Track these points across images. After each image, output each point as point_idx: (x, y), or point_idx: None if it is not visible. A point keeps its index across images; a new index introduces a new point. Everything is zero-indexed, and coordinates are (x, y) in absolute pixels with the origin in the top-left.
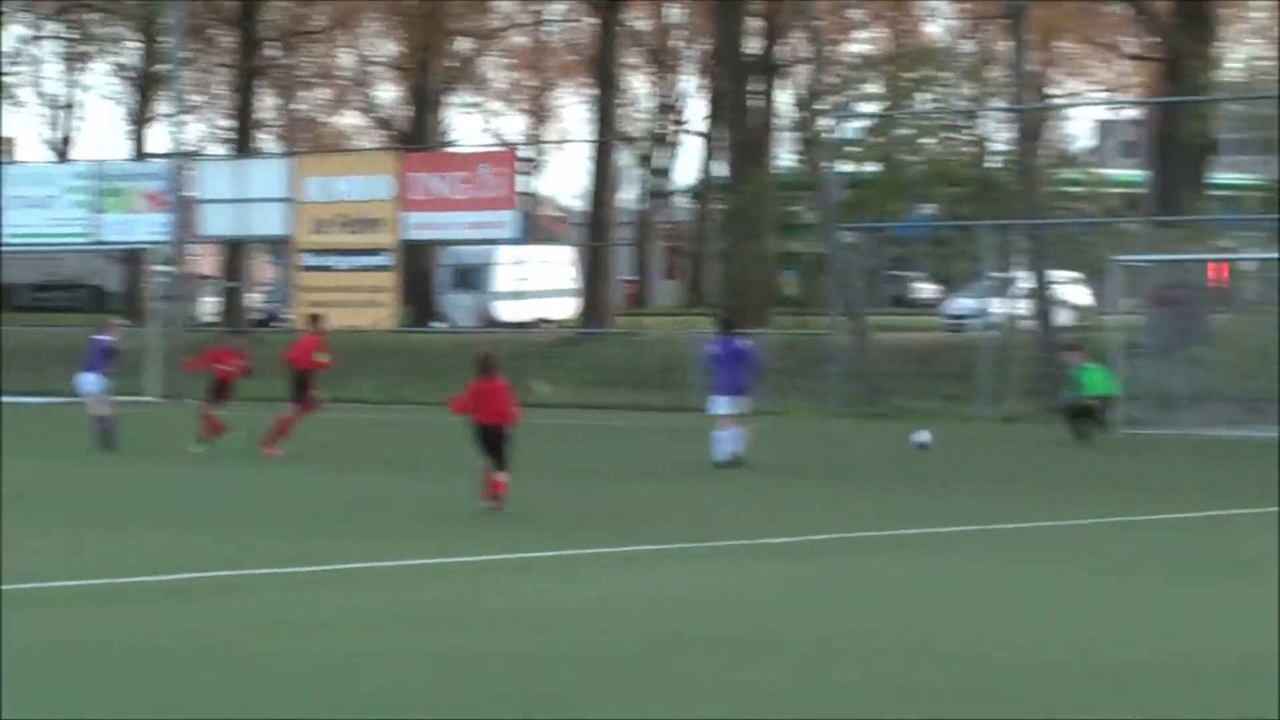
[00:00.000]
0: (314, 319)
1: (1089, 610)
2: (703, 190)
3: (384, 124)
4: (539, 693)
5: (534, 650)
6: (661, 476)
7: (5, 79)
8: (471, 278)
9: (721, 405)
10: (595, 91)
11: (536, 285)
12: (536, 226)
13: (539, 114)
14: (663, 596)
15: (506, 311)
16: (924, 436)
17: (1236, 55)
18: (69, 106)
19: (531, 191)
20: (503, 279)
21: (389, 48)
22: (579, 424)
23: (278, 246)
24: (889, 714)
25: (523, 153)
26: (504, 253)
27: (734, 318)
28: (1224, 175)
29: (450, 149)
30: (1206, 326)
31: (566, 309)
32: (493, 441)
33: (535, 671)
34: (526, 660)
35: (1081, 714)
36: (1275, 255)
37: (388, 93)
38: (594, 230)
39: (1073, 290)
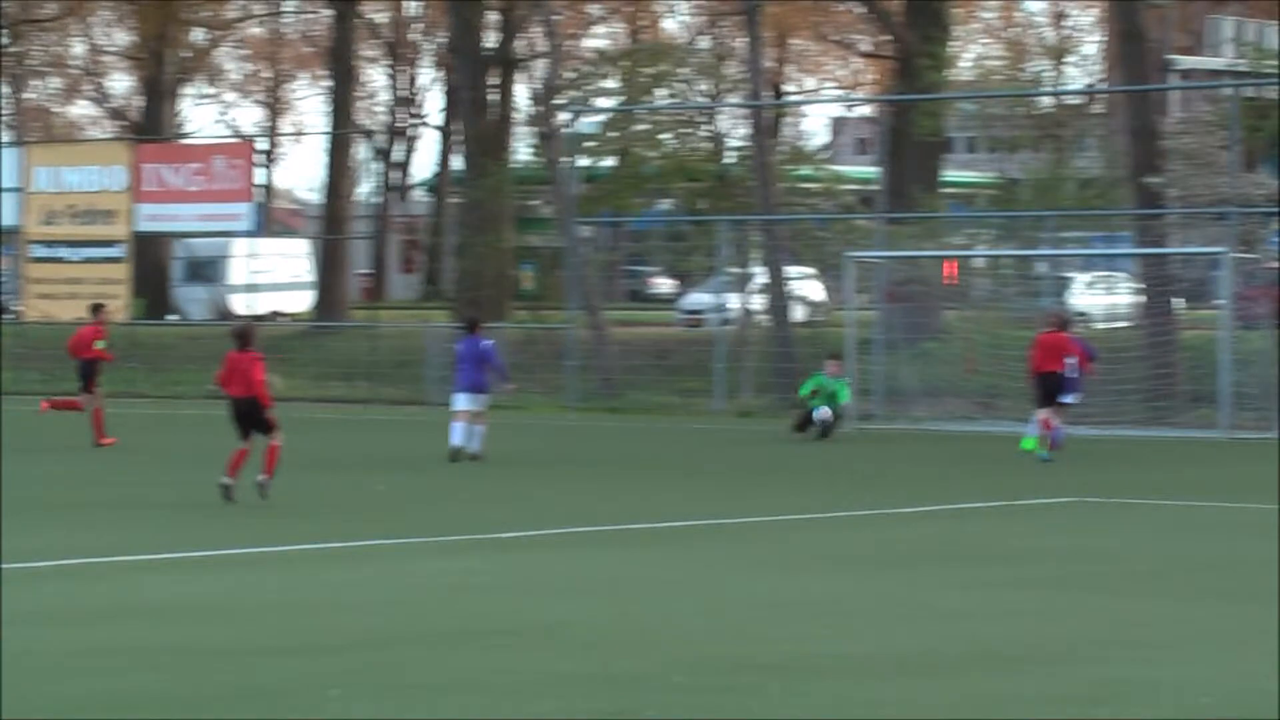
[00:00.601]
0: (96, 309)
1: (809, 603)
2: (440, 184)
3: (117, 114)
4: (231, 688)
5: (234, 646)
6: (396, 470)
7: None
8: (206, 270)
9: (461, 401)
10: (332, 84)
11: (272, 278)
12: (272, 219)
13: (275, 106)
14: (385, 590)
15: (241, 304)
16: (825, 414)
17: (968, 54)
18: None
19: (267, 184)
20: (237, 272)
21: (122, 37)
22: (313, 417)
23: (7, 237)
24: (591, 703)
25: (259, 145)
26: (239, 245)
27: (478, 317)
28: (956, 173)
29: (185, 140)
30: (938, 322)
31: (302, 302)
32: (243, 416)
33: (231, 667)
34: (226, 656)
35: (785, 704)
36: (1005, 253)
37: (121, 83)
38: (330, 223)
39: (807, 286)
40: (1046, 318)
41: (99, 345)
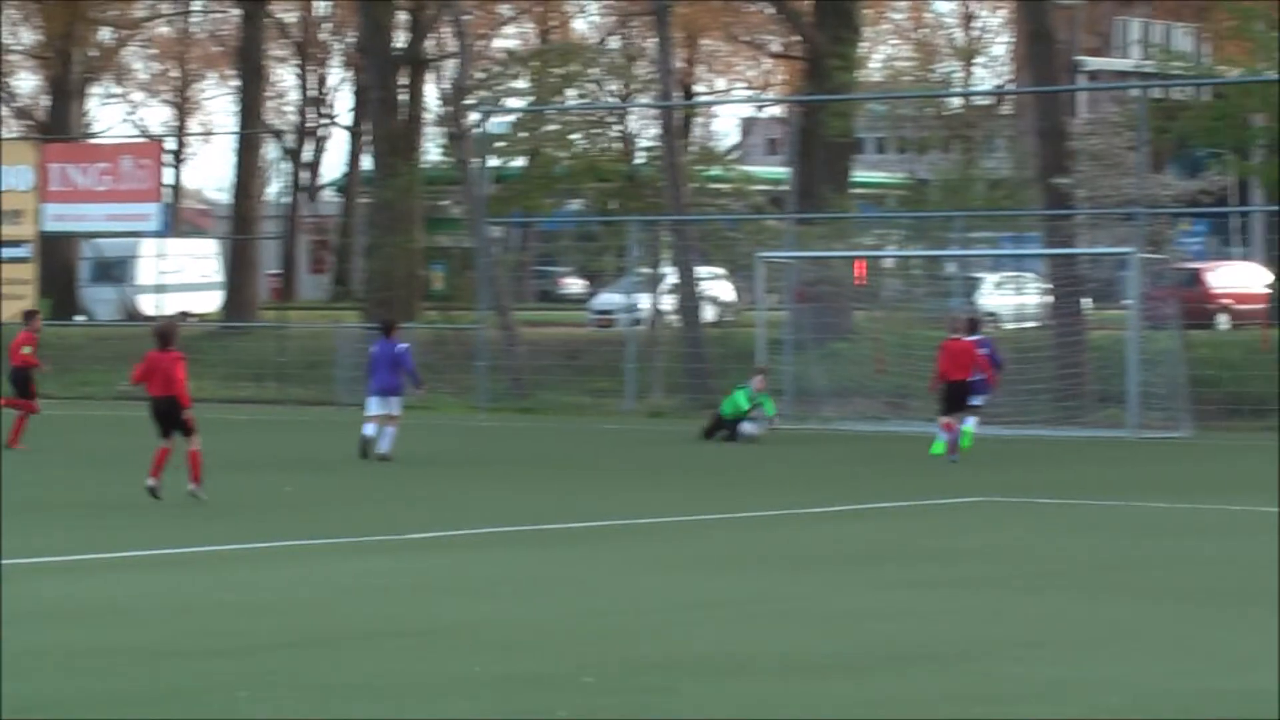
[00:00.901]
0: (28, 315)
1: (720, 603)
2: (349, 184)
3: (23, 114)
4: (138, 691)
5: (142, 647)
6: (307, 471)
7: None
8: (114, 271)
9: (374, 406)
10: (240, 84)
11: (180, 279)
12: (180, 219)
13: (183, 106)
14: (295, 591)
15: (149, 305)
16: (751, 429)
17: (878, 55)
18: None
19: (176, 184)
20: (146, 272)
21: (28, 36)
22: (223, 418)
23: None
24: (503, 704)
25: (167, 145)
26: (147, 245)
27: (394, 320)
28: (866, 173)
29: (92, 140)
30: (848, 323)
31: (211, 303)
32: (163, 415)
33: (138, 669)
34: (134, 658)
35: (697, 704)
36: (915, 253)
37: (27, 82)
38: (239, 223)
39: (718, 286)
40: (953, 323)
41: (26, 350)
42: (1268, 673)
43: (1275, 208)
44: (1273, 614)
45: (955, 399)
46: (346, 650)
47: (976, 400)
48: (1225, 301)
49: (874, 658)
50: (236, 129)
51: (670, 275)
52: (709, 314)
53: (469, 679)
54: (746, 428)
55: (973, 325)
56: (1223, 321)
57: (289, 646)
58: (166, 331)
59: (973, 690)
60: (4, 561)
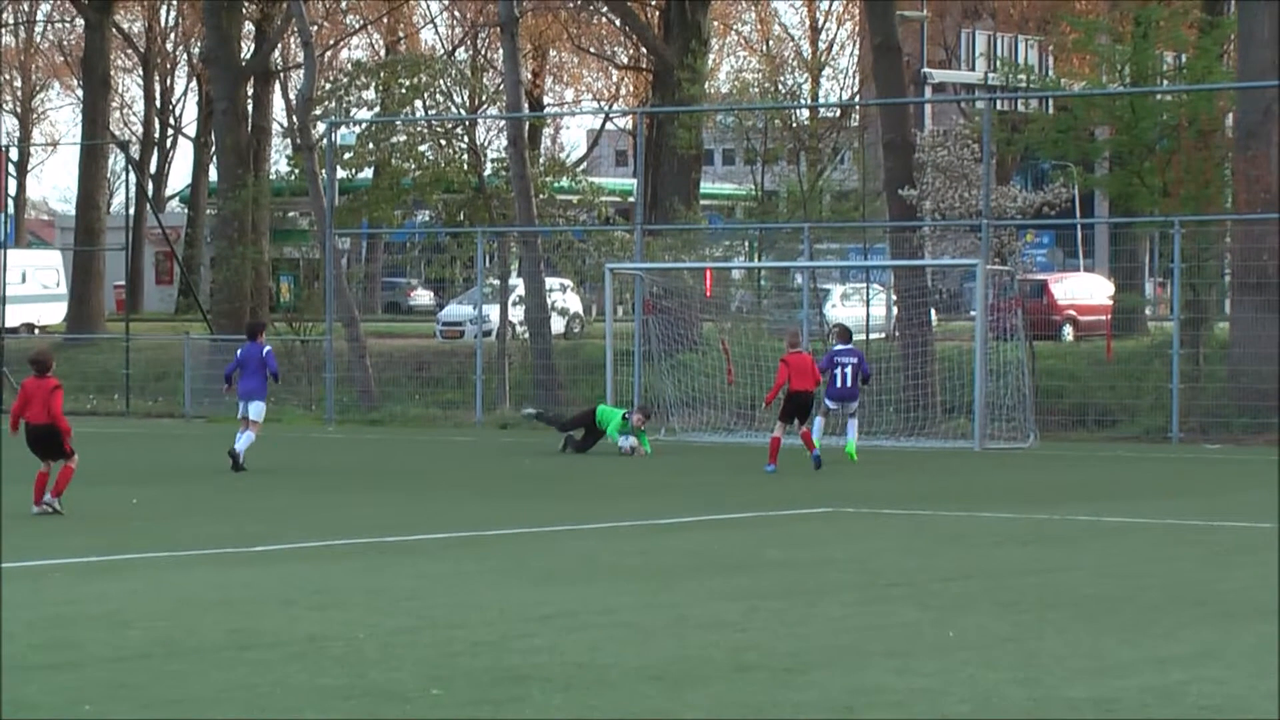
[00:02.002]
0: None
1: (568, 614)
2: (196, 195)
3: None
4: None
5: None
6: (154, 483)
7: None
8: None
9: (252, 410)
10: (85, 94)
11: (24, 290)
12: (24, 230)
13: (27, 115)
14: (142, 603)
15: None
16: (628, 443)
17: (726, 67)
18: None
19: (19, 194)
20: None
21: None
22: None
23: None
24: (351, 716)
25: (11, 155)
26: None
27: (262, 323)
28: (714, 185)
29: None
30: (696, 334)
31: (55, 315)
32: (41, 441)
33: None
34: None
35: (545, 715)
36: (762, 264)
37: None
38: (84, 235)
39: (566, 297)
40: (792, 337)
41: None
42: (1115, 680)
43: (1118, 219)
44: (1120, 621)
45: (799, 409)
46: (195, 663)
47: (833, 405)
48: (1070, 313)
49: (724, 667)
50: (81, 139)
51: (519, 286)
52: (558, 325)
53: (319, 691)
54: (625, 441)
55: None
56: (1067, 332)
57: (136, 659)
58: (43, 360)
59: (819, 698)
60: None
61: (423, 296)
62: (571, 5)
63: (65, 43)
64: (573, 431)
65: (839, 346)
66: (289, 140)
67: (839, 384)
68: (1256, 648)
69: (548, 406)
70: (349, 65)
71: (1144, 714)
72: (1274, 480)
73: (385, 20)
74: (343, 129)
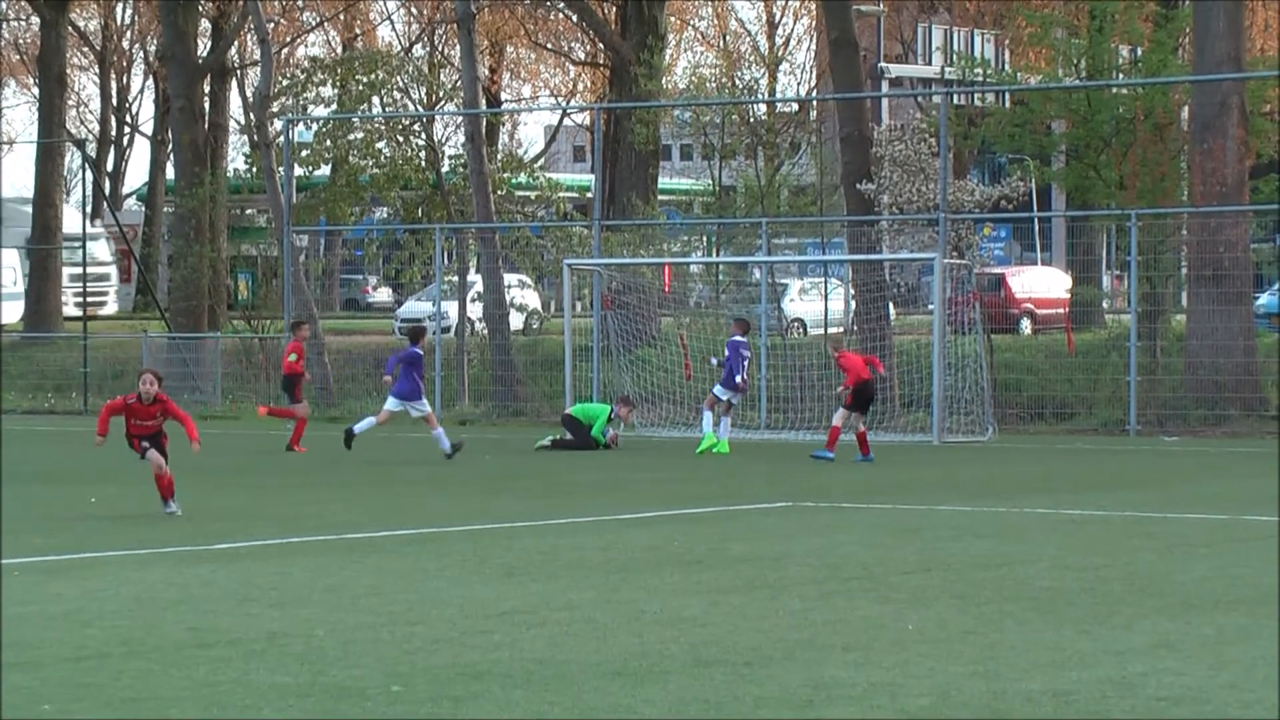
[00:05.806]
0: (295, 326)
1: (528, 609)
2: (153, 193)
3: None
4: None
5: None
6: (110, 482)
7: None
8: None
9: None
10: (41, 91)
11: None
12: None
13: None
14: (101, 602)
15: None
16: (608, 432)
17: (683, 62)
18: None
19: None
20: None
21: None
22: (26, 429)
23: None
24: (311, 714)
25: None
26: None
27: (418, 330)
28: (671, 180)
29: None
30: (655, 329)
31: (12, 314)
32: None
33: None
34: None
35: (505, 711)
36: (721, 259)
37: None
38: (41, 233)
39: (525, 293)
40: (835, 341)
41: (292, 359)
42: (1074, 671)
43: (1075, 213)
44: (1079, 613)
45: (868, 401)
46: (155, 661)
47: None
48: (1027, 306)
49: (684, 662)
50: (37, 137)
51: (477, 283)
52: (516, 322)
53: (278, 689)
54: (609, 434)
55: (745, 329)
56: (1025, 326)
57: (96, 658)
58: None
59: (780, 693)
60: None
61: (380, 293)
62: (528, 1)
63: (21, 40)
64: (559, 435)
65: (741, 338)
66: (246, 137)
67: (738, 377)
68: (1214, 639)
69: (560, 432)
70: (306, 62)
71: (1102, 705)
72: (1231, 472)
73: (342, 17)
74: (300, 126)
